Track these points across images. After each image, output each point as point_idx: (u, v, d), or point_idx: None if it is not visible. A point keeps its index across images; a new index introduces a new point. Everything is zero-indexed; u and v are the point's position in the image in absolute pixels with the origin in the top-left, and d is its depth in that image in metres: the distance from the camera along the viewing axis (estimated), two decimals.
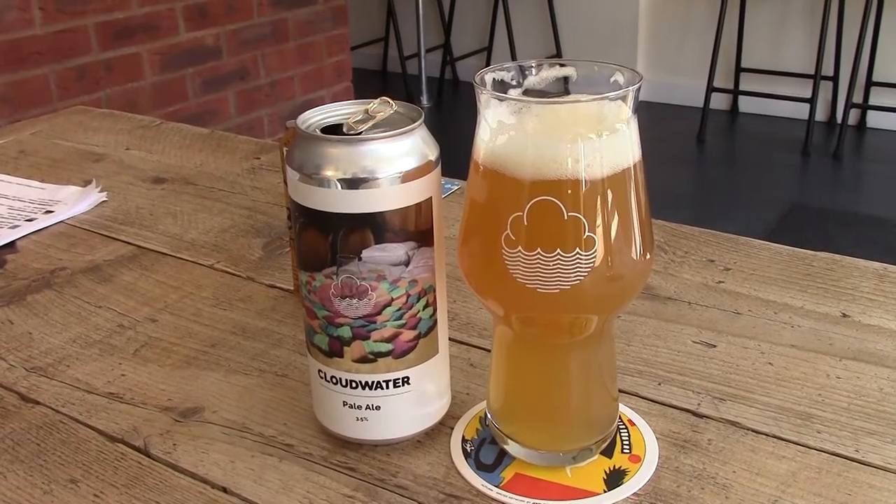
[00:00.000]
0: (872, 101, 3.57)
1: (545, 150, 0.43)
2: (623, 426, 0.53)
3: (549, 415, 0.50)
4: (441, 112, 4.12)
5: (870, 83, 3.54)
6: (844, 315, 0.65)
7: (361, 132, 0.48)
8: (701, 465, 0.50)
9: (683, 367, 0.59)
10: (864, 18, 3.32)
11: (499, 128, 0.45)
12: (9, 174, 0.97)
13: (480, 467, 0.51)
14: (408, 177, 0.47)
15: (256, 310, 0.69)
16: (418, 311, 0.49)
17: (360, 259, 0.47)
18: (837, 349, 0.61)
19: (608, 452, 0.51)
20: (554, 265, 0.43)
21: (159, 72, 2.43)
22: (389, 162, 0.47)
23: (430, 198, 0.48)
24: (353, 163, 0.46)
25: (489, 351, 0.61)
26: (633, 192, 0.45)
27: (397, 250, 0.48)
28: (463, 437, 0.53)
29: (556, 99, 0.46)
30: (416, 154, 0.47)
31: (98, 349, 0.64)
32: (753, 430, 0.53)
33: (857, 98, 3.51)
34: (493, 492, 0.49)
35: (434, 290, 0.50)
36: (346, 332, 0.49)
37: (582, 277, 0.44)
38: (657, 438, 0.53)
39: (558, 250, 0.43)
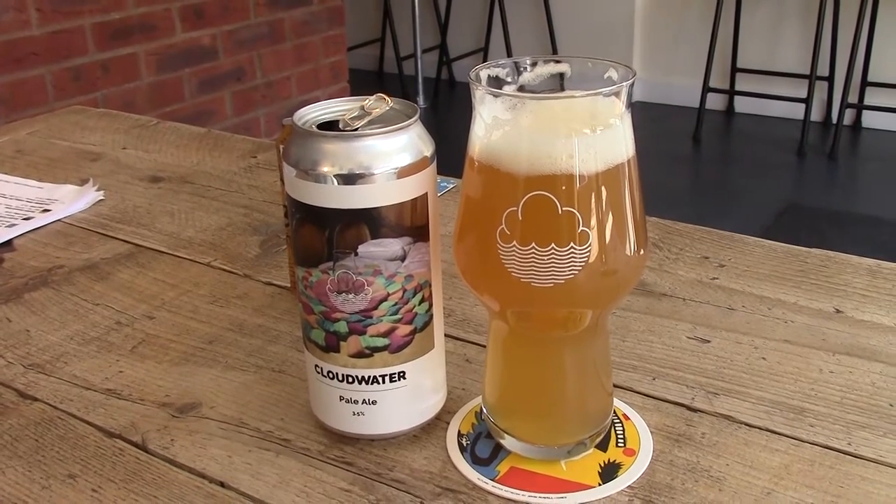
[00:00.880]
0: (868, 101, 3.58)
1: (540, 145, 0.44)
2: (618, 420, 0.54)
3: (545, 409, 0.51)
4: (437, 112, 4.13)
5: (865, 83, 3.55)
6: (837, 311, 0.65)
7: (357, 128, 0.48)
8: (695, 458, 0.51)
9: (678, 363, 0.60)
10: (859, 18, 3.33)
11: (494, 123, 0.45)
12: (6, 174, 0.97)
13: (476, 461, 0.51)
14: (403, 172, 0.47)
15: (253, 307, 0.69)
16: (414, 306, 0.50)
17: (356, 254, 0.48)
18: (830, 344, 0.61)
19: (603, 446, 0.52)
20: (548, 259, 0.44)
21: (156, 72, 2.43)
22: (385, 158, 0.47)
23: (426, 193, 0.48)
24: (350, 158, 0.47)
25: (485, 347, 0.62)
26: (627, 188, 0.45)
27: (393, 245, 0.48)
28: (459, 431, 0.54)
29: (550, 94, 0.46)
30: (411, 150, 0.48)
31: (95, 346, 0.65)
32: (747, 424, 0.54)
33: (853, 98, 3.52)
34: (489, 485, 0.49)
35: (430, 286, 0.50)
36: (342, 328, 0.49)
37: (576, 272, 0.44)
38: (651, 432, 0.53)
39: (553, 245, 0.44)
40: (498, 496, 0.48)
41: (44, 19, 2.16)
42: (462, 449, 0.52)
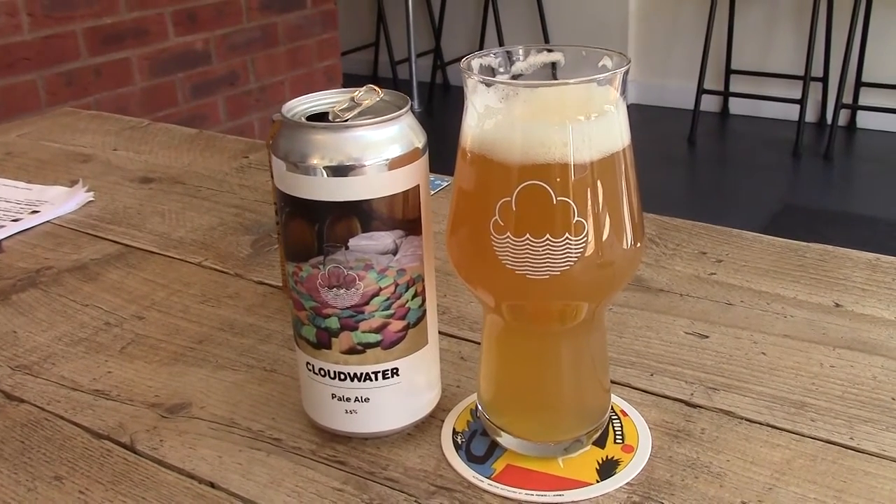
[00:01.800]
0: (862, 101, 3.58)
1: (533, 133, 0.43)
2: (616, 417, 0.53)
3: (541, 405, 0.50)
4: (432, 117, 4.12)
5: (859, 83, 3.55)
6: (837, 305, 0.64)
7: (347, 120, 0.47)
8: (694, 454, 0.50)
9: (676, 358, 0.59)
10: (852, 19, 3.34)
11: (486, 113, 0.44)
12: None
13: (472, 459, 0.50)
14: (395, 164, 0.46)
15: (245, 306, 0.68)
16: (407, 301, 0.49)
17: (346, 248, 0.47)
18: (831, 338, 0.60)
19: (601, 443, 0.51)
20: (543, 251, 0.43)
21: (148, 77, 2.42)
22: (376, 149, 0.46)
23: (418, 185, 0.48)
24: (339, 150, 0.46)
25: (480, 344, 0.61)
26: (623, 177, 0.45)
27: (385, 239, 0.47)
28: (454, 429, 0.53)
29: (543, 82, 0.45)
30: (402, 141, 0.47)
31: (84, 347, 0.64)
32: (747, 419, 0.53)
33: (847, 99, 3.52)
34: (485, 483, 0.48)
35: (423, 280, 0.49)
36: (333, 323, 0.48)
37: (572, 263, 0.43)
38: (650, 428, 0.52)
39: (547, 235, 0.43)
40: (494, 494, 0.47)
41: (35, 24, 2.15)
42: (457, 447, 0.51)
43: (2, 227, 0.82)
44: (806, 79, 3.43)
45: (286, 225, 0.48)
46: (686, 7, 3.89)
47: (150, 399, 0.57)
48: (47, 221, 0.84)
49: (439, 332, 0.53)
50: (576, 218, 0.43)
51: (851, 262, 0.70)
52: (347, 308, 0.48)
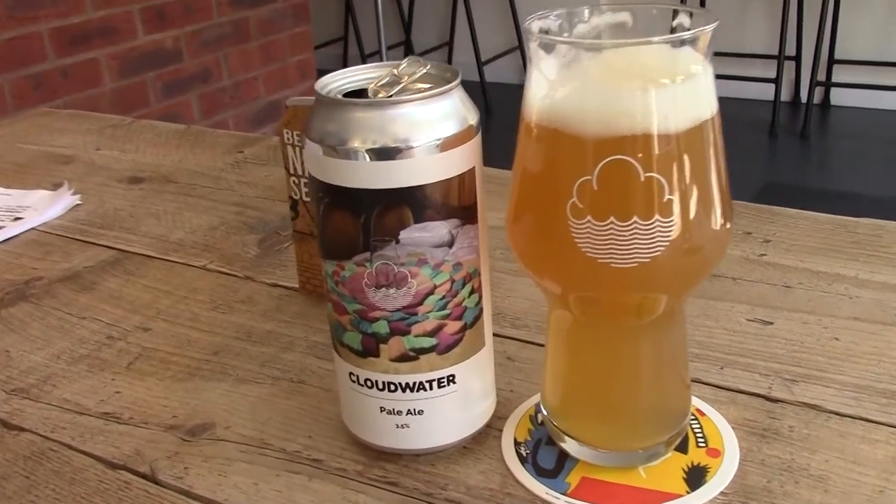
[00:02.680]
0: (835, 78, 3.56)
1: (612, 101, 0.37)
2: (693, 417, 0.47)
3: (618, 409, 0.44)
4: None
5: (832, 61, 3.53)
6: None
7: (391, 95, 0.42)
8: (788, 455, 0.45)
9: (743, 348, 0.54)
10: None
11: (557, 80, 0.39)
12: None
13: (541, 473, 0.45)
14: (447, 144, 0.41)
15: (260, 311, 0.62)
16: (464, 299, 0.43)
17: (397, 242, 0.41)
18: None
19: (682, 448, 0.45)
20: (630, 235, 0.37)
21: (118, 77, 2.33)
22: (426, 128, 0.40)
23: (473, 168, 0.42)
24: (384, 131, 0.40)
25: (527, 342, 0.56)
26: (711, 147, 0.39)
27: (440, 229, 0.41)
28: (515, 439, 0.47)
29: (623, 41, 0.40)
30: (455, 118, 0.41)
31: (86, 365, 0.57)
32: (836, 413, 0.48)
33: (821, 76, 3.50)
34: (561, 501, 0.43)
35: (479, 275, 0.44)
36: (382, 328, 0.43)
37: (662, 248, 0.38)
38: (732, 428, 0.47)
39: (635, 218, 0.37)
40: None
41: None
42: (522, 459, 0.46)
43: None
44: (780, 58, 3.41)
45: (324, 219, 0.43)
46: None
47: (167, 421, 0.51)
48: (32, 228, 0.78)
49: None
50: (666, 196, 0.37)
51: None
52: (398, 310, 0.42)
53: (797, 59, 3.61)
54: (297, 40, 2.86)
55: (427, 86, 0.42)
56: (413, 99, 0.41)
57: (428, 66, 0.43)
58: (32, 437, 0.51)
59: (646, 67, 0.38)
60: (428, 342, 0.43)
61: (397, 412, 0.45)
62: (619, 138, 0.37)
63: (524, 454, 0.46)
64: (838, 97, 3.64)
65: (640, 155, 0.37)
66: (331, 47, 4.51)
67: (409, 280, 0.42)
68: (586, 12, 0.42)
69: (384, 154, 0.40)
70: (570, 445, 0.45)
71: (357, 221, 0.41)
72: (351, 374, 0.45)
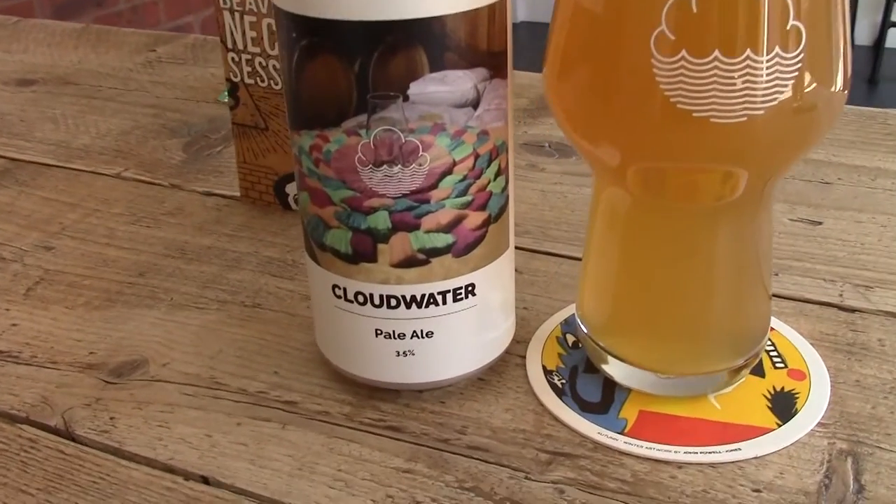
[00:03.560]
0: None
1: None
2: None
3: (685, 321, 0.34)
4: None
5: None
6: None
7: None
8: (888, 373, 0.36)
9: (797, 252, 0.45)
10: None
11: None
12: None
13: (586, 408, 0.34)
14: None
15: (194, 224, 0.50)
16: (489, 182, 0.32)
17: (405, 99, 0.30)
18: None
19: (757, 370, 0.36)
20: (741, 77, 0.27)
21: None
22: None
23: (506, 0, 0.31)
24: None
25: (535, 252, 0.45)
26: None
27: (463, 82, 0.30)
28: (544, 367, 0.37)
29: None
30: None
31: None
32: None
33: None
34: (620, 442, 0.33)
35: (507, 150, 0.33)
36: (381, 221, 0.32)
37: (780, 96, 0.28)
38: (811, 344, 0.38)
39: (748, 52, 0.27)
40: (639, 457, 0.32)
41: None
42: (558, 392, 0.35)
43: None
44: None
45: (300, 71, 0.31)
46: None
47: (82, 358, 0.39)
48: None
49: None
50: (791, 21, 0.27)
51: None
52: (404, 196, 0.31)
53: None
54: None
55: None
56: None
57: None
58: None
59: None
60: (442, 240, 0.32)
61: (399, 335, 0.34)
62: None
63: (559, 385, 0.36)
64: None
65: None
66: None
67: (421, 153, 0.30)
68: None
69: None
70: (619, 370, 0.35)
71: (349, 70, 0.29)
72: (335, 287, 0.34)
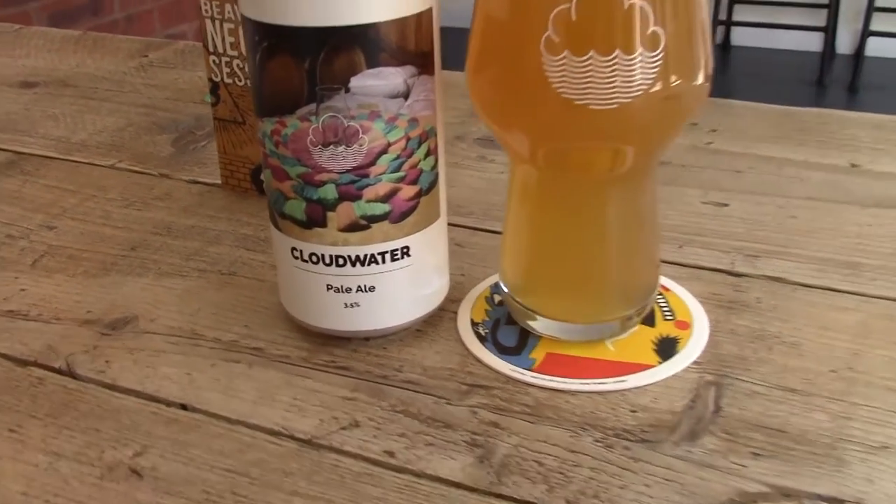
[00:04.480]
0: (736, 17, 3.58)
1: None
2: (657, 293, 0.45)
3: (585, 277, 0.41)
4: None
5: (733, 1, 3.56)
6: (853, 165, 0.59)
7: None
8: (758, 325, 0.43)
9: (702, 228, 0.52)
10: None
11: None
12: None
13: (503, 351, 0.41)
14: None
15: (180, 207, 0.57)
16: (419, 161, 0.39)
17: (347, 90, 0.36)
18: (858, 197, 0.54)
19: (649, 321, 0.43)
20: (612, 72, 0.34)
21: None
22: None
23: (431, 8, 0.38)
24: None
25: (476, 229, 0.52)
26: None
27: (394, 77, 0.37)
28: (472, 320, 0.44)
29: None
30: None
31: None
32: (803, 284, 0.46)
33: (722, 16, 3.53)
34: (527, 376, 0.40)
35: (436, 135, 0.40)
36: (329, 193, 0.38)
37: (645, 87, 0.35)
38: (699, 302, 0.45)
39: (617, 52, 0.34)
40: (542, 388, 0.39)
41: None
42: (482, 339, 0.42)
43: None
44: None
45: (262, 68, 0.38)
46: None
47: (81, 316, 0.46)
48: None
49: None
50: (651, 27, 0.34)
51: (855, 124, 0.64)
52: (348, 171, 0.38)
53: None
54: None
55: None
56: None
57: None
58: None
59: None
60: (380, 208, 0.39)
61: (346, 289, 0.40)
62: None
63: (483, 333, 0.43)
64: (739, 37, 3.67)
65: None
66: None
67: (361, 136, 0.37)
68: None
69: None
70: (534, 321, 0.42)
71: (301, 67, 0.36)
72: (293, 249, 0.41)
